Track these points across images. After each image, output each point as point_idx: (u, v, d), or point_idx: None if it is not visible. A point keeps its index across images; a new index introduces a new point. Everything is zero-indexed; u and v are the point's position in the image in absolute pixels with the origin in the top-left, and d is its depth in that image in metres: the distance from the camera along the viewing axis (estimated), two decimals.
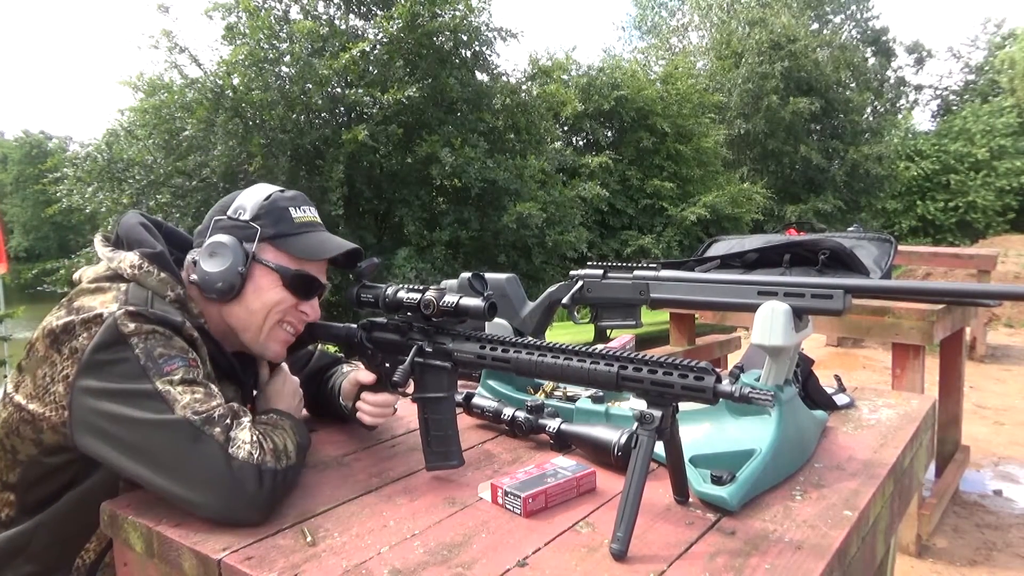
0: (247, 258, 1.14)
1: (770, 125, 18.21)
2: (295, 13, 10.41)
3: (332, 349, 1.45)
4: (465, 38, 10.47)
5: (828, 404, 1.41)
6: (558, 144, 13.55)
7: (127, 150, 9.98)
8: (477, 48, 10.79)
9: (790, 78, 18.25)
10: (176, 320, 1.06)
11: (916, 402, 1.50)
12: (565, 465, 1.07)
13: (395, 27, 9.65)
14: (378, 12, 10.38)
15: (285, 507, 1.00)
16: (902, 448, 1.22)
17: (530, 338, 1.04)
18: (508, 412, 1.28)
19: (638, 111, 14.67)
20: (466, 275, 1.20)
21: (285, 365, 1.30)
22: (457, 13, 9.99)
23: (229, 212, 1.18)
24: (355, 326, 1.25)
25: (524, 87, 11.62)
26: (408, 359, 1.11)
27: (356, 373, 1.27)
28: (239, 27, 10.08)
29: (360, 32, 10.52)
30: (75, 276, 1.18)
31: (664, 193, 14.16)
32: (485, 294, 1.06)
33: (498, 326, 1.47)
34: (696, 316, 3.57)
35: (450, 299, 1.08)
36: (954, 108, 26.08)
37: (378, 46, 9.99)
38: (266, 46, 9.72)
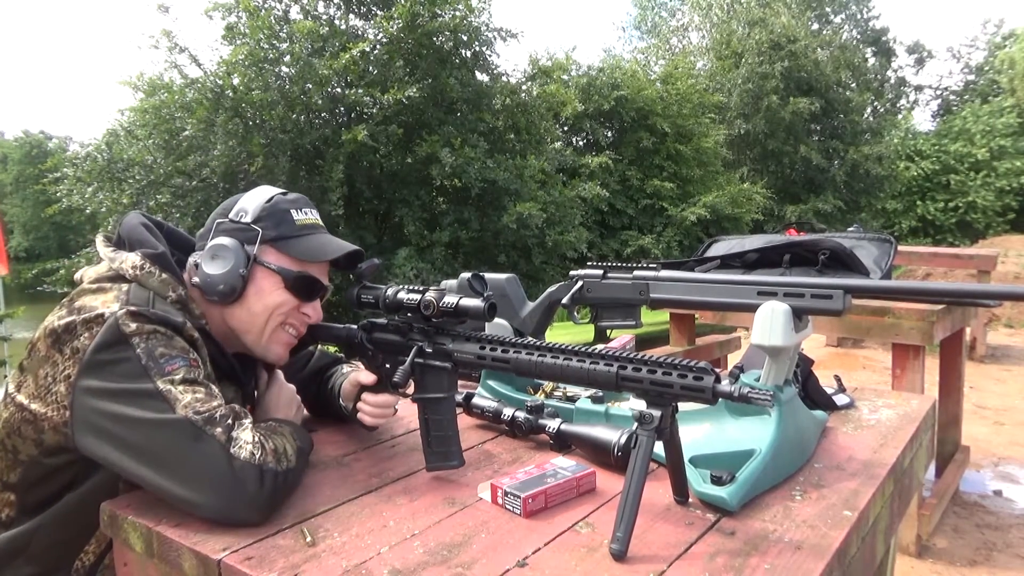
0: (249, 260, 1.14)
1: (770, 125, 18.20)
2: (295, 13, 10.43)
3: (332, 350, 1.45)
4: (465, 38, 10.49)
5: (828, 404, 1.41)
6: (558, 144, 13.56)
7: (127, 150, 9.99)
8: (477, 48, 10.81)
9: (790, 78, 18.25)
10: (177, 320, 1.06)
11: (916, 402, 1.50)
12: (565, 465, 1.07)
13: (395, 27, 9.66)
14: (378, 12, 10.39)
15: (285, 507, 1.00)
16: (902, 448, 1.22)
17: (530, 338, 1.04)
18: (508, 412, 1.28)
19: (638, 111, 14.69)
20: (466, 275, 1.20)
21: (280, 374, 1.30)
22: (457, 13, 10.00)
23: (231, 215, 1.18)
24: (355, 327, 1.25)
25: (524, 87, 11.64)
26: (408, 360, 1.12)
27: (357, 374, 1.27)
28: (239, 27, 10.10)
29: (360, 32, 10.54)
30: (76, 276, 1.18)
31: (664, 193, 14.18)
32: (485, 294, 1.06)
33: (498, 326, 1.46)
34: (696, 316, 3.56)
35: (450, 300, 1.08)
36: (954, 108, 26.09)
37: (378, 46, 10.00)
38: (266, 46, 9.73)
